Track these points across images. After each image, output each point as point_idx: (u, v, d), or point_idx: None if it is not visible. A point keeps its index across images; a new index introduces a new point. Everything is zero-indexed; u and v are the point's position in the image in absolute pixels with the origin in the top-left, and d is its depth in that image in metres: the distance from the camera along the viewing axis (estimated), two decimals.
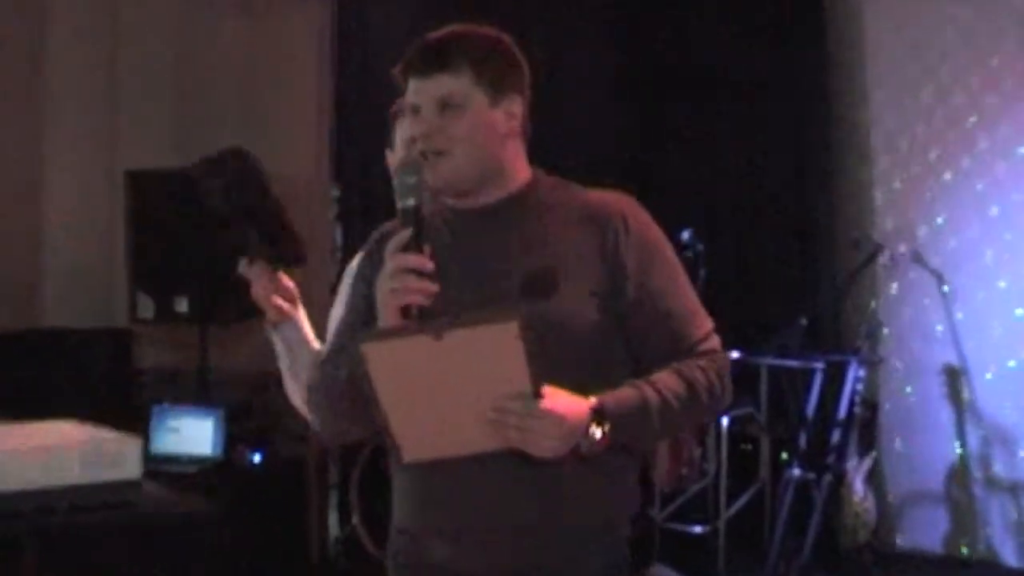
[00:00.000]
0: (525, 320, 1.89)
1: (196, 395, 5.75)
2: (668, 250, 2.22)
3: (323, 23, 6.28)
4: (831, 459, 5.54)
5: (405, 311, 2.02)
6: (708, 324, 2.22)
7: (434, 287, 2.02)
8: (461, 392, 1.94)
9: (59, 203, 6.39)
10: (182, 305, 5.65)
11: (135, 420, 5.23)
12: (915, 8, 6.06)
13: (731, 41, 6.26)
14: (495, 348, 1.90)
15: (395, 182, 2.09)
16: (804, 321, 5.66)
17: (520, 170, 2.21)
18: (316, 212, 6.16)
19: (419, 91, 2.16)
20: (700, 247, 5.46)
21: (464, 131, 2.14)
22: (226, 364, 5.88)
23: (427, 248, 2.04)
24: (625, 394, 2.07)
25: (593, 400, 2.03)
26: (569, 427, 1.98)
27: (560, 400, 1.98)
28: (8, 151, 6.29)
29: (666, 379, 2.10)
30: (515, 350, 1.90)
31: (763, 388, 5.84)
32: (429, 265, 2.03)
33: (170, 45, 6.51)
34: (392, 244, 2.06)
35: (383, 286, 2.06)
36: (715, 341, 2.20)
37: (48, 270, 6.40)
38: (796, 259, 6.27)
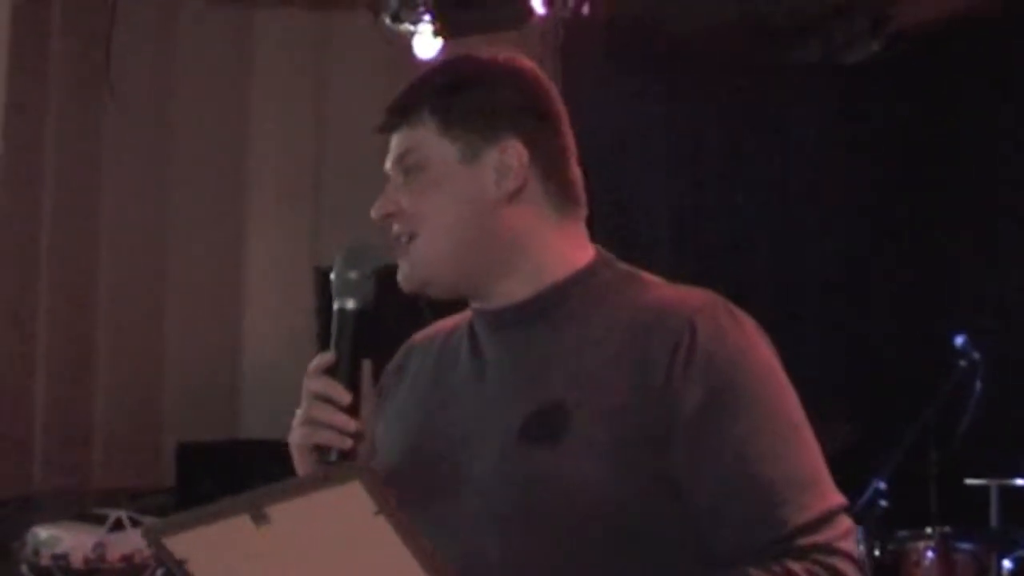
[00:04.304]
0: (377, 480, 1.24)
1: None
2: (768, 387, 1.49)
3: None
4: None
5: (321, 454, 1.50)
6: (826, 502, 1.46)
7: (352, 424, 1.49)
8: None
9: (259, 304, 6.02)
10: None
11: None
12: None
13: None
14: (350, 528, 1.23)
15: (332, 274, 1.59)
16: None
17: (555, 252, 1.59)
18: None
19: (388, 155, 1.65)
20: (977, 356, 4.62)
21: (429, 203, 1.55)
22: None
23: (366, 369, 1.52)
24: None
25: None
26: None
27: None
28: (211, 250, 5.99)
29: None
30: (379, 530, 1.21)
31: None
32: (344, 395, 1.49)
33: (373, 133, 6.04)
34: (314, 362, 1.52)
35: (297, 416, 1.53)
36: (834, 531, 1.45)
37: (246, 376, 6.01)
38: None
